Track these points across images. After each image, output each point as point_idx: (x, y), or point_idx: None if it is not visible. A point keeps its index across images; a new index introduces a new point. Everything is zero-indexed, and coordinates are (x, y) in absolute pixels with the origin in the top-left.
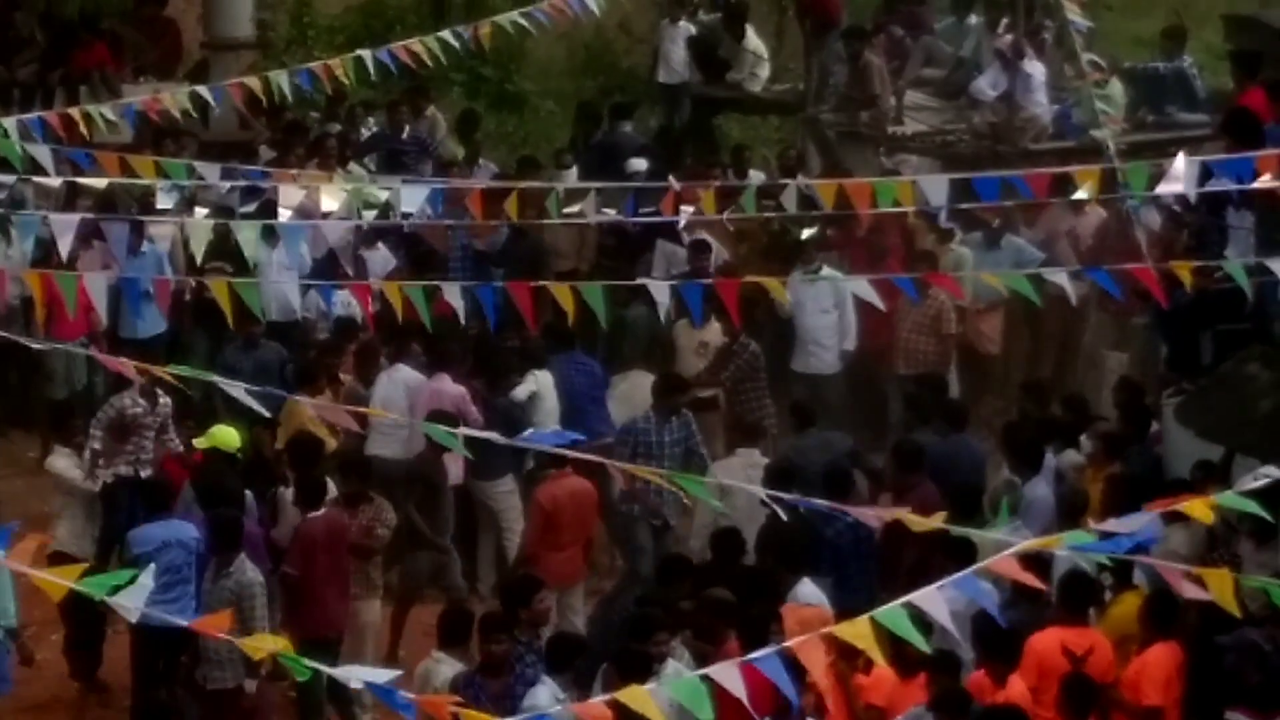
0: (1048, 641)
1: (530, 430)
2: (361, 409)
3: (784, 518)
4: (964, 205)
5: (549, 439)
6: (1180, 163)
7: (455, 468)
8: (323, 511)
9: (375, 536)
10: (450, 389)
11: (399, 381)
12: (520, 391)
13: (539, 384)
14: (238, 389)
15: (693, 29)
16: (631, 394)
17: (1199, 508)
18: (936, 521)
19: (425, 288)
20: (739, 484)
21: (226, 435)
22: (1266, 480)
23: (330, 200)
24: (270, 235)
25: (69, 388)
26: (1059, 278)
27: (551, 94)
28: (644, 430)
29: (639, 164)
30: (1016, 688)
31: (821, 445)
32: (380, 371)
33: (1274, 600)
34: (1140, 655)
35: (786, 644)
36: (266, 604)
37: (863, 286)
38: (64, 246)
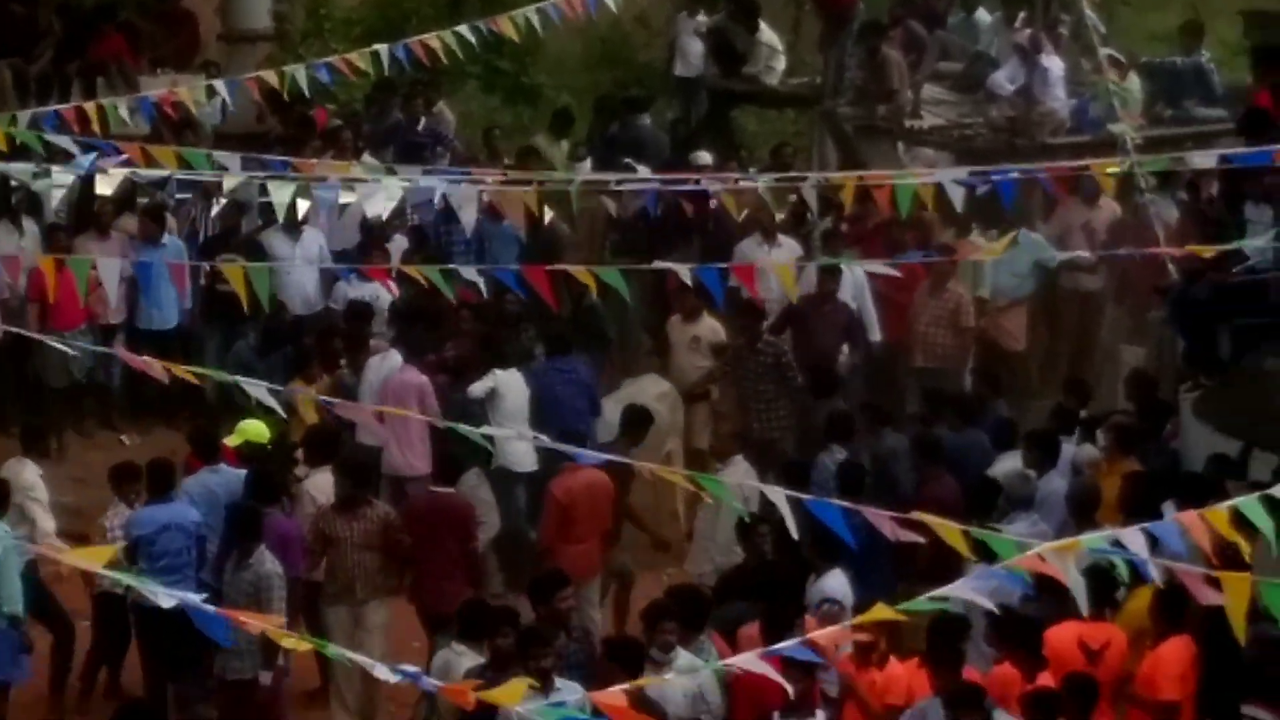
0: (1064, 636)
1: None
2: (368, 406)
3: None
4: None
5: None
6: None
7: (420, 462)
8: (445, 491)
9: (400, 540)
10: (413, 379)
11: (384, 370)
12: (477, 388)
13: (499, 382)
14: (259, 388)
15: (708, 22)
16: (636, 398)
17: (1220, 520)
18: (954, 525)
19: (444, 271)
20: (757, 484)
21: (257, 429)
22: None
23: (350, 192)
24: (293, 230)
25: (68, 378)
26: None
27: (567, 87)
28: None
29: (705, 157)
30: (1046, 684)
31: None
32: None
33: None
34: (1155, 650)
35: (810, 635)
36: (285, 596)
37: (877, 267)
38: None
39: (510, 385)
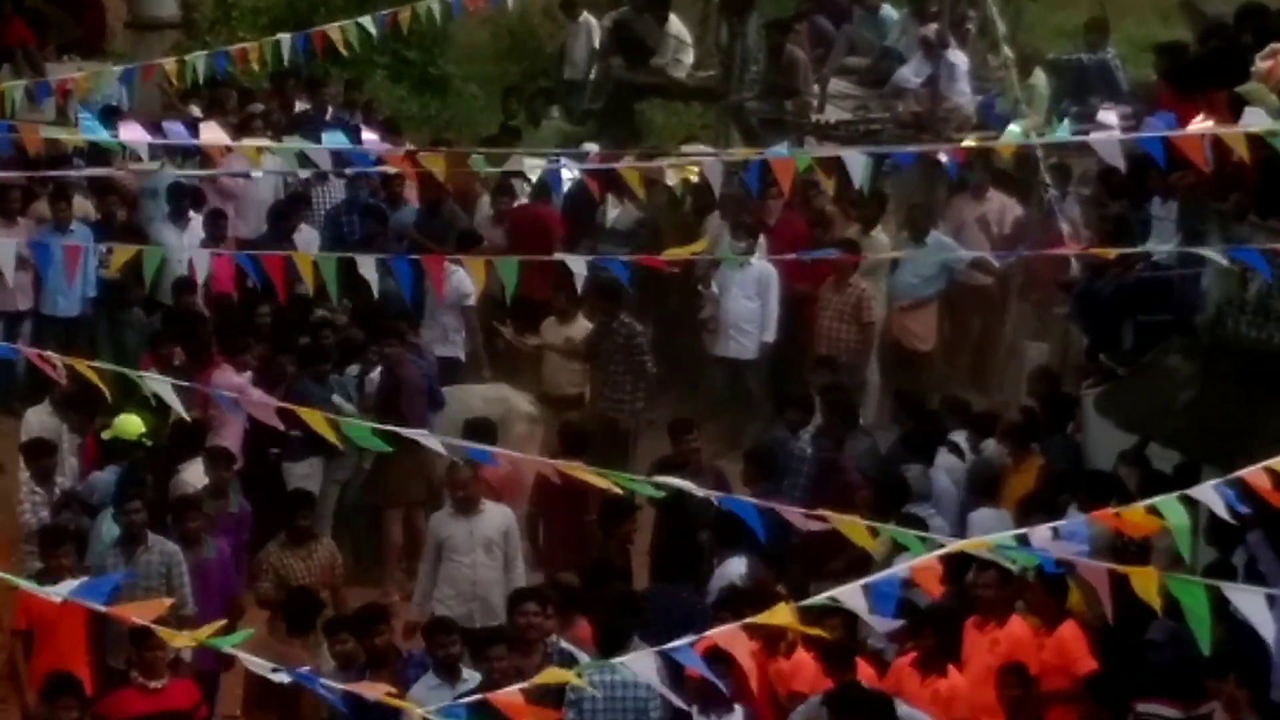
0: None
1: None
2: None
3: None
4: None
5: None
6: (1107, 118)
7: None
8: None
9: (336, 578)
10: (229, 380)
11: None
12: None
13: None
14: (163, 385)
15: (594, 24)
16: (460, 401)
17: (1139, 520)
18: (859, 521)
19: (340, 260)
20: (675, 481)
21: (130, 424)
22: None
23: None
24: (179, 220)
25: None
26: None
27: (475, 78)
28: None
29: (592, 147)
30: (956, 679)
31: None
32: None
33: (1188, 604)
34: (1055, 634)
35: (708, 633)
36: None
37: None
38: None
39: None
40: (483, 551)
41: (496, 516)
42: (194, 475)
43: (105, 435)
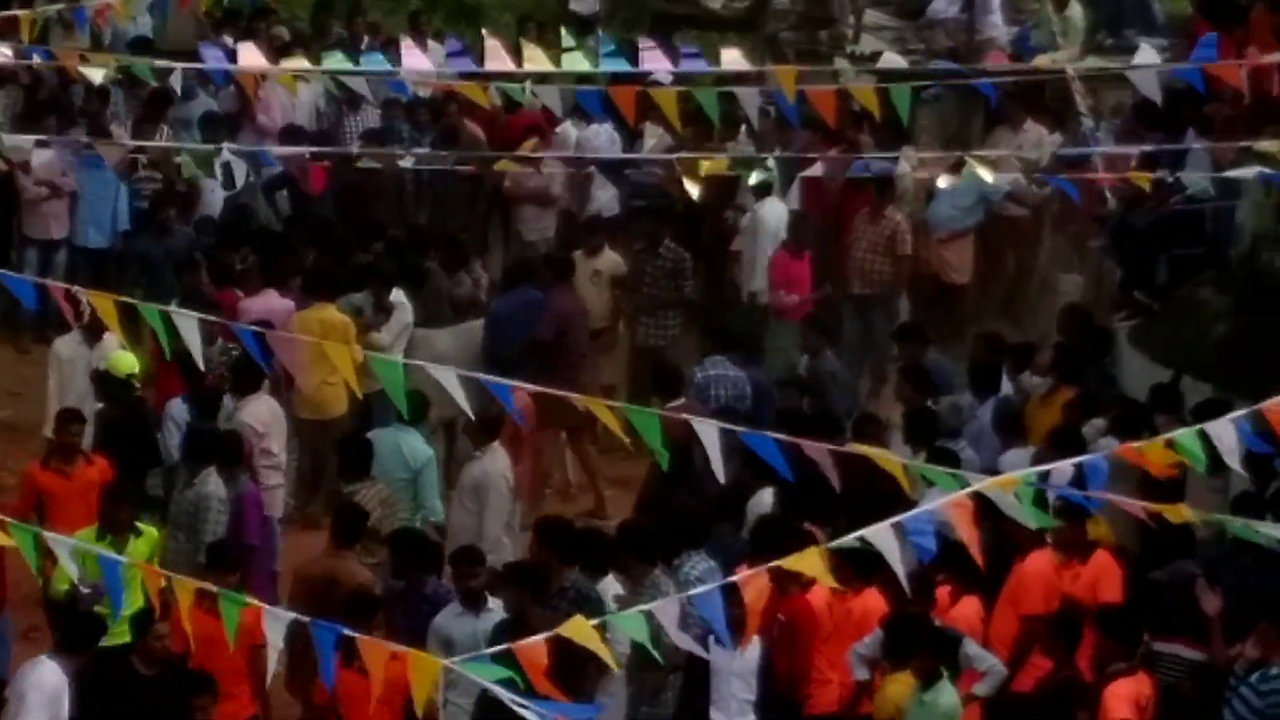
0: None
1: None
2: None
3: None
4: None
5: None
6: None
7: None
8: None
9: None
10: (277, 305)
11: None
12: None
13: (396, 300)
14: (189, 321)
15: None
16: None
17: (1158, 455)
18: (895, 458)
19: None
20: (695, 418)
21: (122, 360)
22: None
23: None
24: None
25: None
26: None
27: (510, 7)
28: None
29: None
30: (971, 607)
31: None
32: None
33: (1236, 534)
34: (1089, 564)
35: (732, 579)
36: (223, 520)
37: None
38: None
39: (403, 303)
40: (457, 497)
41: (475, 470)
42: (258, 410)
43: (100, 368)
